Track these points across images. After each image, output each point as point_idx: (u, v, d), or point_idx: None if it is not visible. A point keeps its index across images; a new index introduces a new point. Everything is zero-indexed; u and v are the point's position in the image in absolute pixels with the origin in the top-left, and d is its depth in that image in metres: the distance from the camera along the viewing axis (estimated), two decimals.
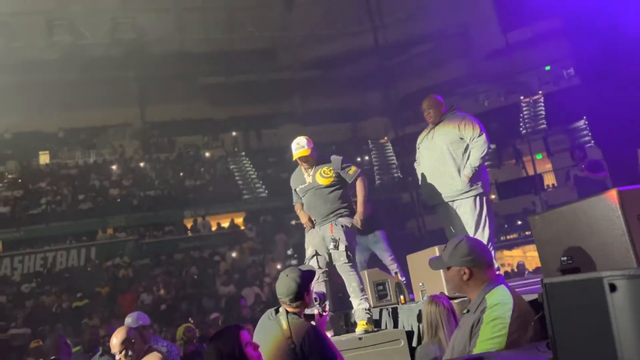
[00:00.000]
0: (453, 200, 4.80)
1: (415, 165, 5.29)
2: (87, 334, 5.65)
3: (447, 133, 4.85)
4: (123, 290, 14.83)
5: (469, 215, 4.70)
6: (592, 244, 2.49)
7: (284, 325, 3.00)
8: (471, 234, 4.51)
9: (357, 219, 4.58)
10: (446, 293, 3.68)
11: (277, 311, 3.14)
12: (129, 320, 4.75)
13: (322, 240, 4.63)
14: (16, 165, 22.74)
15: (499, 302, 2.28)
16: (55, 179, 21.70)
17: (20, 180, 21.84)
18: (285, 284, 3.15)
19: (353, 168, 4.74)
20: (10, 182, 21.85)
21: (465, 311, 2.49)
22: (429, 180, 4.95)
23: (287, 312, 3.10)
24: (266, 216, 20.93)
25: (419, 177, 5.18)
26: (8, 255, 17.87)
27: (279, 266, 15.76)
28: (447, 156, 4.79)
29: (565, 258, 2.70)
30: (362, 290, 4.48)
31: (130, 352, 3.86)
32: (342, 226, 4.54)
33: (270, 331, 3.05)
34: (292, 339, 2.92)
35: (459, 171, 4.74)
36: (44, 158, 23.48)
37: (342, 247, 4.46)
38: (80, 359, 5.29)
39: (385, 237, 6.76)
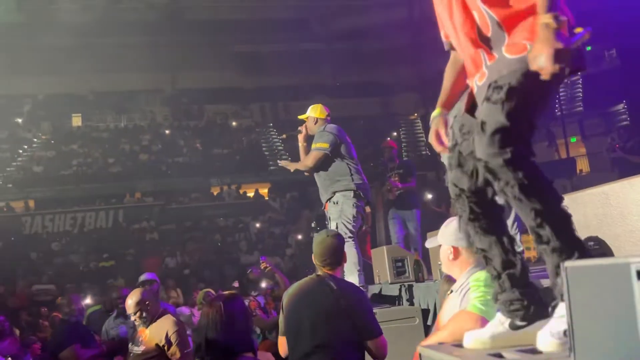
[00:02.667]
0: None
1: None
2: (110, 294, 5.75)
3: None
4: (148, 254, 15.10)
5: None
6: (621, 228, 2.37)
7: (334, 286, 3.01)
8: None
9: (287, 163, 4.94)
10: None
11: (317, 275, 3.13)
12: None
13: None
14: (49, 126, 23.22)
15: (485, 278, 2.08)
16: (87, 142, 22.11)
17: (53, 142, 22.35)
18: (325, 246, 3.16)
19: (317, 144, 4.74)
20: (43, 142, 22.38)
21: (449, 292, 2.40)
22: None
23: (329, 275, 3.11)
24: (291, 189, 20.92)
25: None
26: (39, 214, 18.34)
27: (299, 237, 15.80)
28: None
29: (592, 243, 2.58)
30: (356, 264, 4.39)
31: (144, 314, 3.89)
32: (335, 202, 4.55)
33: (319, 294, 3.02)
34: (344, 299, 2.95)
35: None
36: (77, 120, 23.90)
37: (332, 224, 4.50)
38: (99, 318, 5.39)
39: (419, 216, 6.85)
